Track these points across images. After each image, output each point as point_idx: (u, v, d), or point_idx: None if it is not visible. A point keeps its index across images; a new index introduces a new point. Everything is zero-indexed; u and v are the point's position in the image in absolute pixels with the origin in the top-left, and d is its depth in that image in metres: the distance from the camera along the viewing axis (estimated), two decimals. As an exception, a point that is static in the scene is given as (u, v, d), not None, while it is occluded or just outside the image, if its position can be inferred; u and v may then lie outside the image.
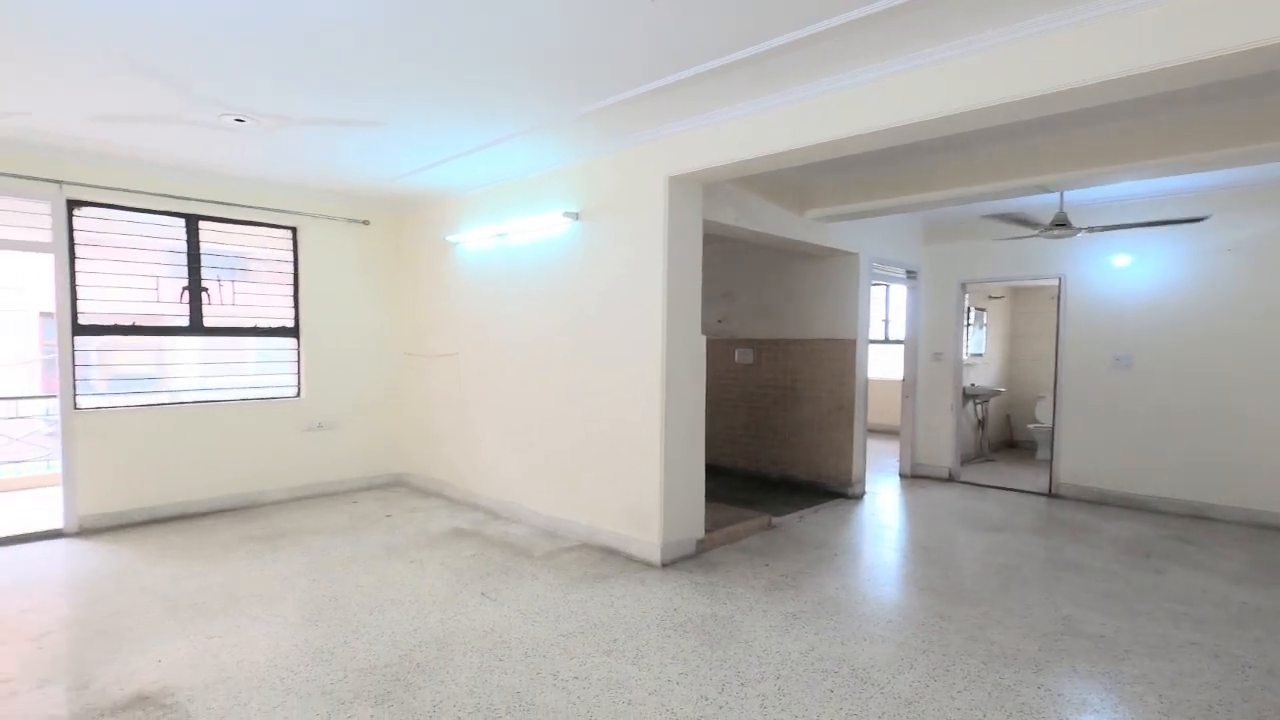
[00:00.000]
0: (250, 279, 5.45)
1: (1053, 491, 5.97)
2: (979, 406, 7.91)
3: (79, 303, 4.58)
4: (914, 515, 5.35)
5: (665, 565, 3.95)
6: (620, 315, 4.14)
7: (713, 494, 4.61)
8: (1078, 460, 5.86)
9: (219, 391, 5.30)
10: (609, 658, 2.82)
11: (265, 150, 4.27)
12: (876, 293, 8.78)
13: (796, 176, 4.82)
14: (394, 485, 6.16)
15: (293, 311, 5.62)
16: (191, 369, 5.26)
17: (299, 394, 5.67)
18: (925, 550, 4.39)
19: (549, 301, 4.66)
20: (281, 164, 4.63)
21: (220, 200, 5.07)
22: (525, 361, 4.90)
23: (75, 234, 4.54)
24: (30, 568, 3.93)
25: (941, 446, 6.67)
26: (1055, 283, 6.09)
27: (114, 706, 2.43)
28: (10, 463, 7.12)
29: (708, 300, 4.43)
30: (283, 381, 5.63)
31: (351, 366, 5.93)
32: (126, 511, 4.78)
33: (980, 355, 8.41)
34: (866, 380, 5.96)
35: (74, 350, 4.57)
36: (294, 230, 5.58)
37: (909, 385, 6.74)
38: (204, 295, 5.13)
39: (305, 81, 3.14)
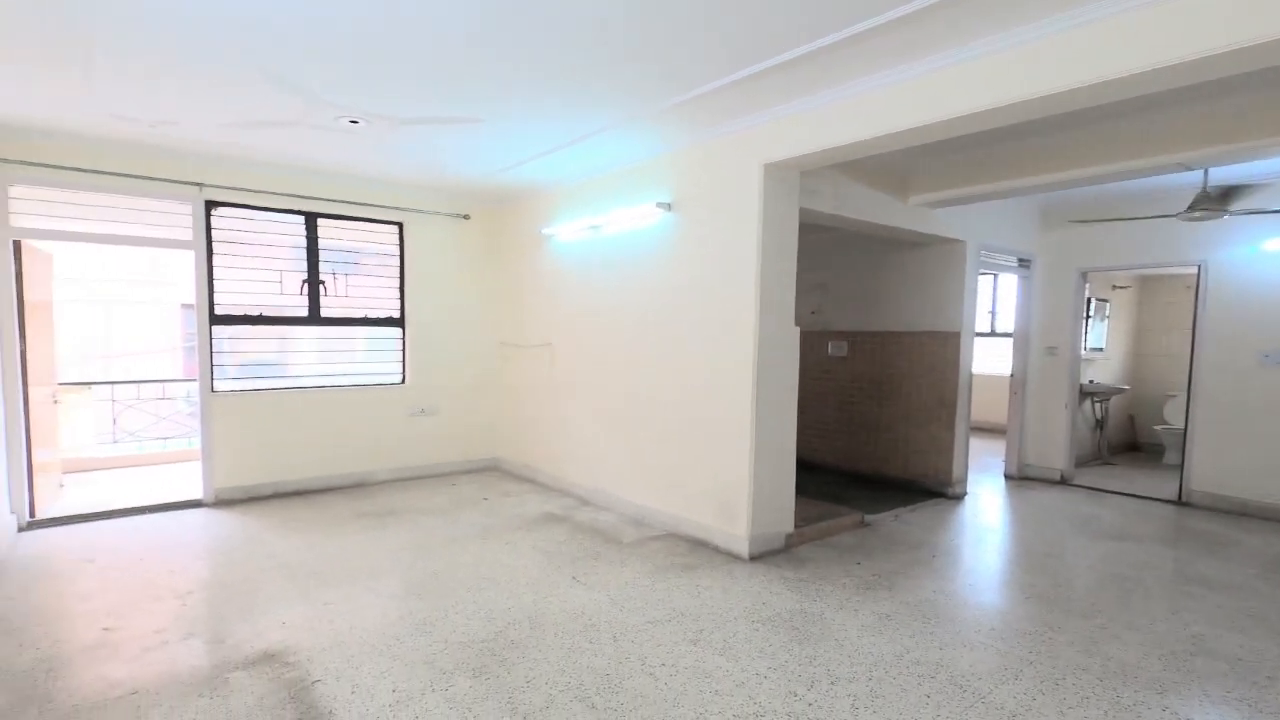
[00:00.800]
0: (361, 272, 5.81)
1: (1183, 499, 5.45)
2: (1098, 405, 7.32)
3: (215, 295, 5.04)
4: (1021, 519, 5.04)
5: (753, 558, 3.91)
6: (711, 306, 4.12)
7: (802, 489, 4.52)
8: (1214, 466, 5.31)
9: (333, 377, 5.70)
10: (695, 647, 2.83)
11: (376, 150, 4.52)
12: (983, 282, 8.29)
13: (899, 160, 4.60)
14: (489, 469, 6.42)
15: (399, 303, 5.95)
16: (309, 356, 5.67)
17: (404, 381, 6.00)
18: (1033, 556, 4.12)
19: (640, 292, 4.70)
20: (390, 162, 4.90)
21: (336, 198, 5.44)
22: (616, 351, 4.97)
23: (212, 232, 5.00)
24: (176, 533, 4.38)
25: (1053, 447, 6.23)
26: (1193, 271, 5.53)
27: (246, 661, 2.68)
28: (158, 439, 7.97)
29: (800, 291, 4.33)
30: (389, 369, 5.98)
31: (451, 355, 6.21)
32: (254, 486, 5.24)
33: (1100, 350, 7.77)
34: (970, 375, 5.64)
35: (211, 338, 5.04)
36: (400, 225, 5.89)
37: (1018, 381, 6.33)
38: (321, 288, 5.52)
39: (412, 83, 3.30)
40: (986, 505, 5.40)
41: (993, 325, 9.54)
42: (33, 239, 4.47)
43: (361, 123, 3.92)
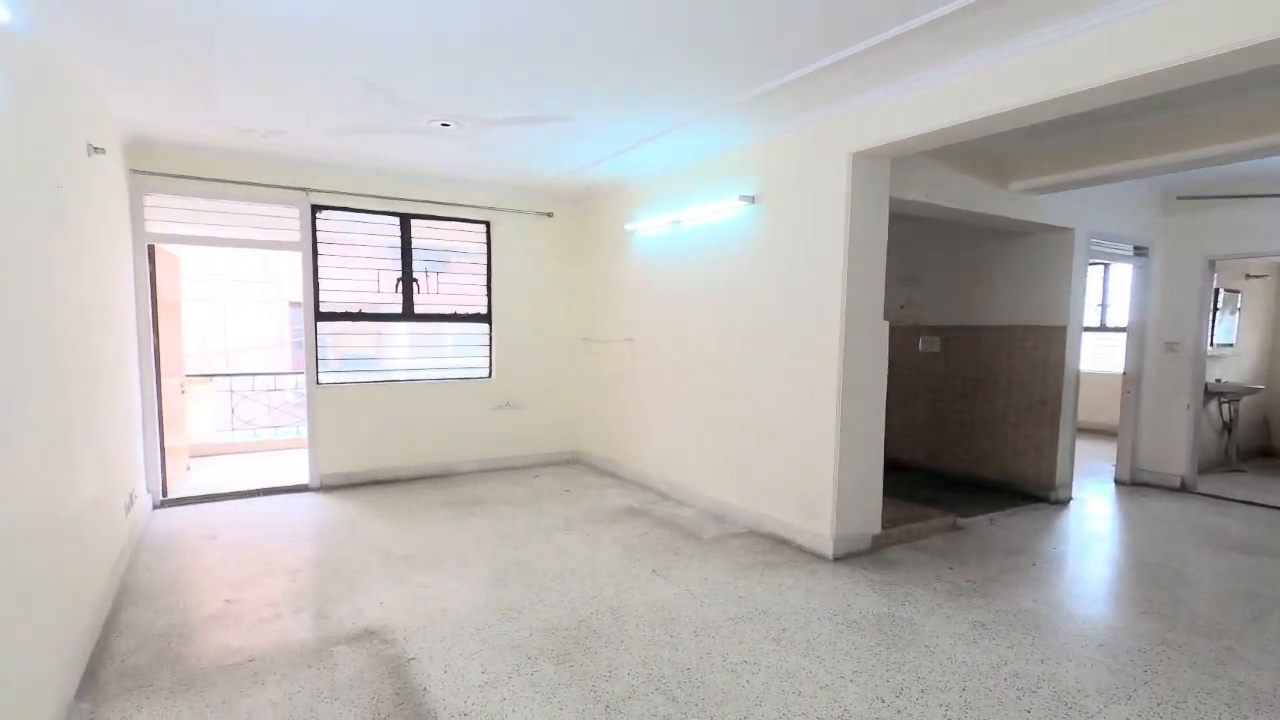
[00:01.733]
0: (450, 270, 6.04)
1: (1330, 512, 4.90)
2: (1226, 406, 6.67)
3: (320, 293, 5.38)
4: (1133, 527, 4.66)
5: (837, 559, 3.81)
6: (796, 300, 4.03)
7: (891, 489, 4.35)
8: (1369, 476, 4.73)
9: (424, 371, 5.96)
10: (778, 646, 2.78)
11: (465, 151, 4.69)
12: (1092, 273, 7.72)
13: (999, 144, 4.32)
14: (571, 463, 6.55)
15: (485, 299, 6.16)
16: (402, 351, 5.96)
17: (490, 375, 6.21)
18: (1147, 568, 3.81)
19: (722, 286, 4.66)
20: (478, 163, 5.06)
21: (427, 199, 5.68)
22: (697, 347, 4.95)
23: (317, 234, 5.33)
24: (285, 515, 4.71)
25: (1173, 451, 5.73)
26: (1342, 257, 4.95)
27: (349, 636, 2.85)
28: (270, 427, 8.58)
29: (889, 285, 4.16)
30: (476, 364, 6.20)
31: (535, 350, 6.37)
32: (353, 473, 5.56)
33: (1230, 346, 7.07)
34: (1077, 372, 5.27)
35: (316, 334, 5.38)
36: (487, 224, 6.09)
37: (1132, 379, 5.86)
38: (414, 285, 5.78)
39: (501, 85, 3.40)
40: (1094, 512, 5.03)
41: (1103, 319, 8.88)
42: (164, 243, 4.91)
43: (452, 125, 4.07)
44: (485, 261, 6.14)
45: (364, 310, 5.61)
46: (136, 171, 4.59)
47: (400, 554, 3.87)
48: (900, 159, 3.88)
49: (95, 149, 3.21)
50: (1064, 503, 5.20)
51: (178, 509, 4.80)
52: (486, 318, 6.18)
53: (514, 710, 2.31)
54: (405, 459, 5.79)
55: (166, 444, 4.94)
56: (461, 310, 6.07)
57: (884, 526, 4.07)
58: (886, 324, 3.91)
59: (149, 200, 4.74)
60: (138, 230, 4.67)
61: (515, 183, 5.75)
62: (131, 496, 3.92)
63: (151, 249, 4.79)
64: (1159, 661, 2.69)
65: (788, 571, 3.63)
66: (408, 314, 5.79)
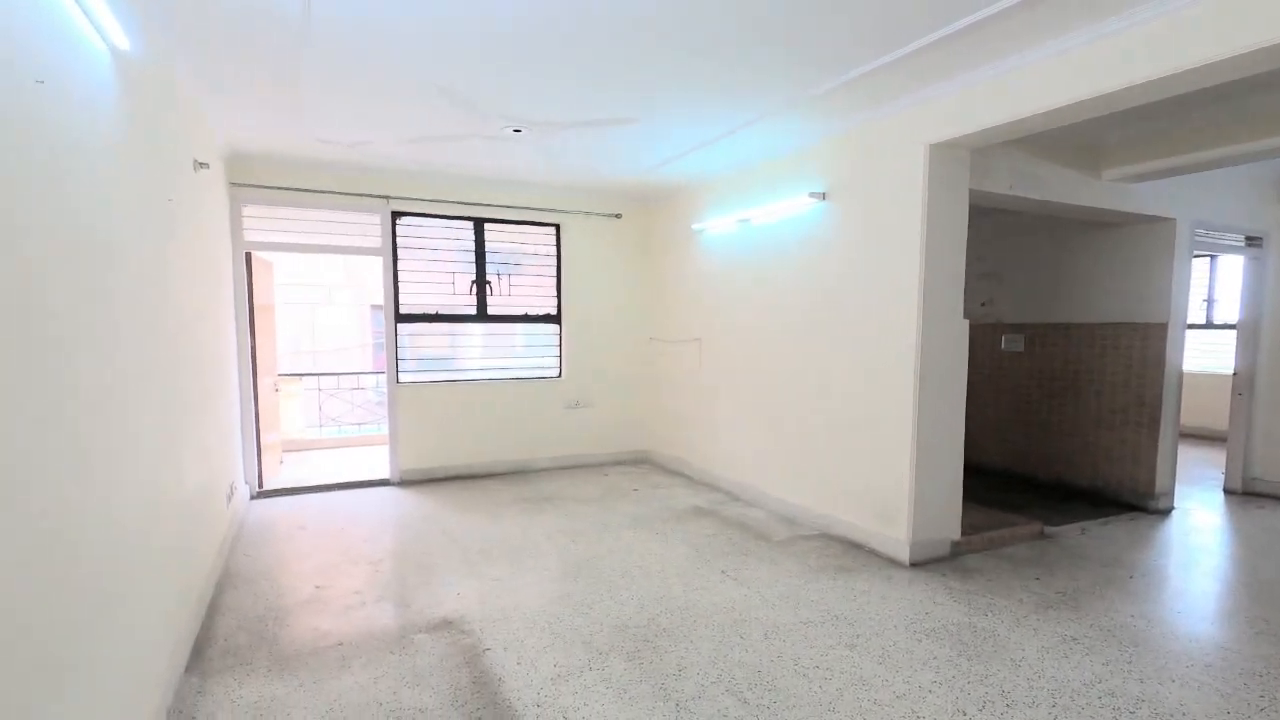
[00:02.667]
0: (521, 272, 6.19)
1: None
2: (1355, 410, 6.05)
3: (400, 296, 5.61)
4: (1245, 540, 4.30)
5: (914, 565, 3.68)
6: (869, 298, 3.93)
7: (972, 494, 4.18)
8: None
9: (497, 371, 6.13)
10: (852, 652, 2.72)
11: (536, 155, 4.79)
12: (1197, 266, 7.15)
13: (1091, 130, 4.05)
14: (639, 462, 6.59)
15: (555, 300, 6.28)
16: (476, 351, 6.15)
17: (560, 374, 6.32)
18: (1264, 585, 3.51)
19: (792, 285, 4.59)
20: (548, 167, 5.17)
21: (499, 204, 5.83)
22: (766, 346, 4.89)
23: (397, 239, 5.57)
24: (368, 507, 4.94)
25: (1292, 459, 5.25)
26: None
27: (428, 625, 2.96)
28: (354, 424, 9.02)
29: (969, 281, 3.99)
30: (547, 363, 6.32)
31: (604, 350, 6.45)
32: (430, 468, 5.77)
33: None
34: (1180, 373, 4.91)
35: (396, 335, 5.62)
36: (557, 227, 6.20)
37: (1244, 380, 5.41)
38: (488, 287, 5.95)
39: (571, 89, 3.46)
40: (1200, 523, 4.67)
41: (1209, 315, 8.24)
42: (259, 251, 5.24)
43: (524, 130, 4.17)
44: (555, 263, 6.25)
45: (440, 312, 5.81)
46: (235, 184, 4.92)
47: (476, 548, 3.99)
48: (981, 149, 3.72)
49: (200, 164, 3.45)
50: (1165, 512, 4.85)
51: (272, 500, 5.11)
52: (556, 318, 6.30)
53: (585, 704, 2.35)
54: (479, 456, 5.97)
55: (262, 439, 5.27)
56: (532, 311, 6.21)
57: (964, 533, 3.90)
58: (967, 322, 3.75)
59: (247, 211, 5.06)
60: (236, 239, 5.00)
61: (584, 185, 5.83)
62: (232, 487, 4.21)
63: (248, 256, 5.12)
64: (1277, 687, 2.48)
65: (861, 576, 3.54)
66: (481, 315, 5.97)
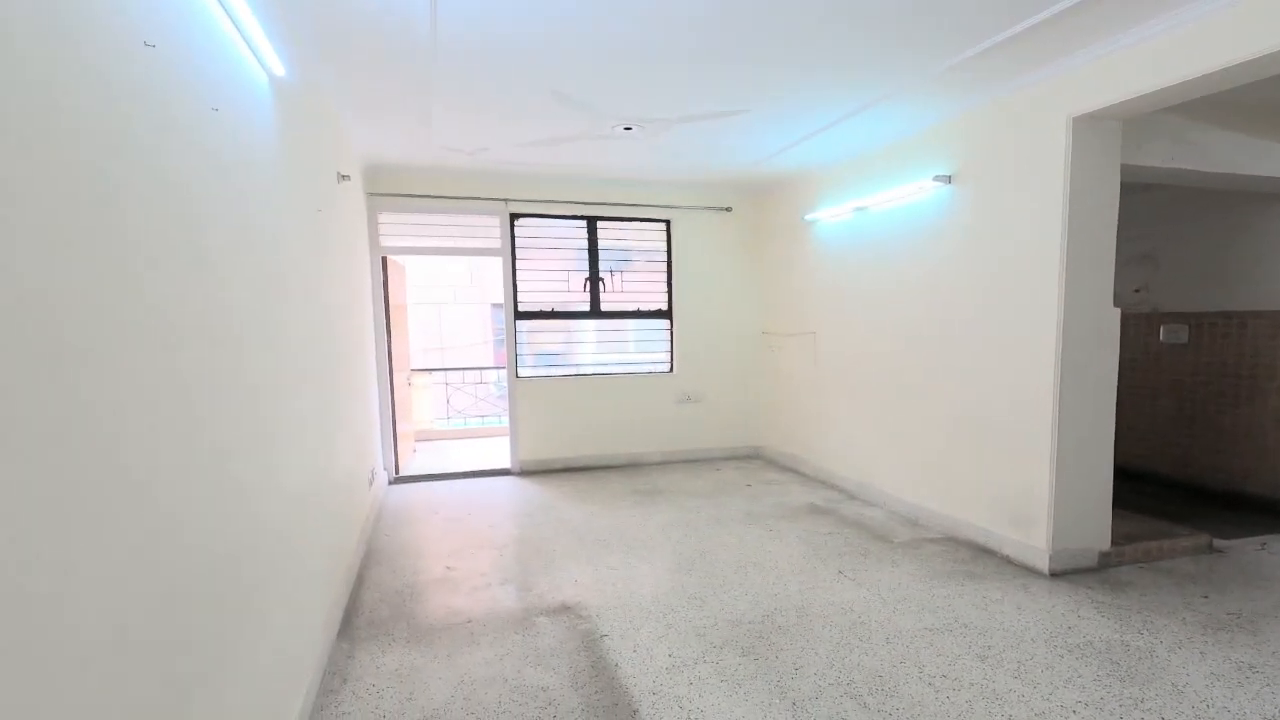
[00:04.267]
0: (633, 268, 6.29)
1: None
2: None
3: (518, 294, 5.87)
4: None
5: (1054, 575, 3.40)
6: (1002, 286, 3.66)
7: (1124, 501, 3.80)
8: None
9: (610, 366, 6.27)
10: (983, 664, 2.56)
11: (647, 152, 4.84)
12: None
13: (1265, 91, 3.56)
14: (751, 457, 6.51)
15: (666, 296, 6.33)
16: (589, 346, 6.31)
17: (671, 369, 6.37)
18: None
19: (914, 274, 4.36)
20: (659, 163, 5.21)
21: (611, 202, 5.95)
22: (885, 338, 4.68)
23: (515, 240, 5.82)
24: (492, 495, 5.22)
25: None
26: None
27: (548, 609, 3.09)
28: (477, 416, 9.54)
29: (1120, 265, 3.62)
30: (659, 358, 6.39)
31: (715, 345, 6.42)
32: (548, 460, 6.00)
33: None
34: (1390, 366, 4.20)
35: (515, 332, 5.88)
36: (667, 222, 6.24)
37: None
38: (600, 284, 6.10)
39: (682, 84, 3.47)
40: None
41: None
42: (393, 255, 5.65)
43: (635, 128, 4.23)
44: (666, 259, 6.30)
45: (556, 309, 6.03)
46: (372, 194, 5.34)
47: (592, 537, 4.11)
48: (1135, 119, 3.36)
49: (343, 176, 3.78)
50: (1370, 528, 4.18)
51: (407, 486, 5.52)
52: (667, 314, 6.35)
53: (700, 695, 2.36)
54: (594, 448, 6.13)
55: (398, 429, 5.70)
56: (644, 307, 6.30)
57: (1115, 542, 3.56)
58: (1118, 311, 3.41)
59: (382, 218, 5.48)
60: (374, 244, 5.42)
61: (694, 179, 5.83)
62: (373, 472, 4.58)
63: (384, 260, 5.54)
64: None
65: (993, 584, 3.32)
66: (595, 311, 6.12)
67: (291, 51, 2.62)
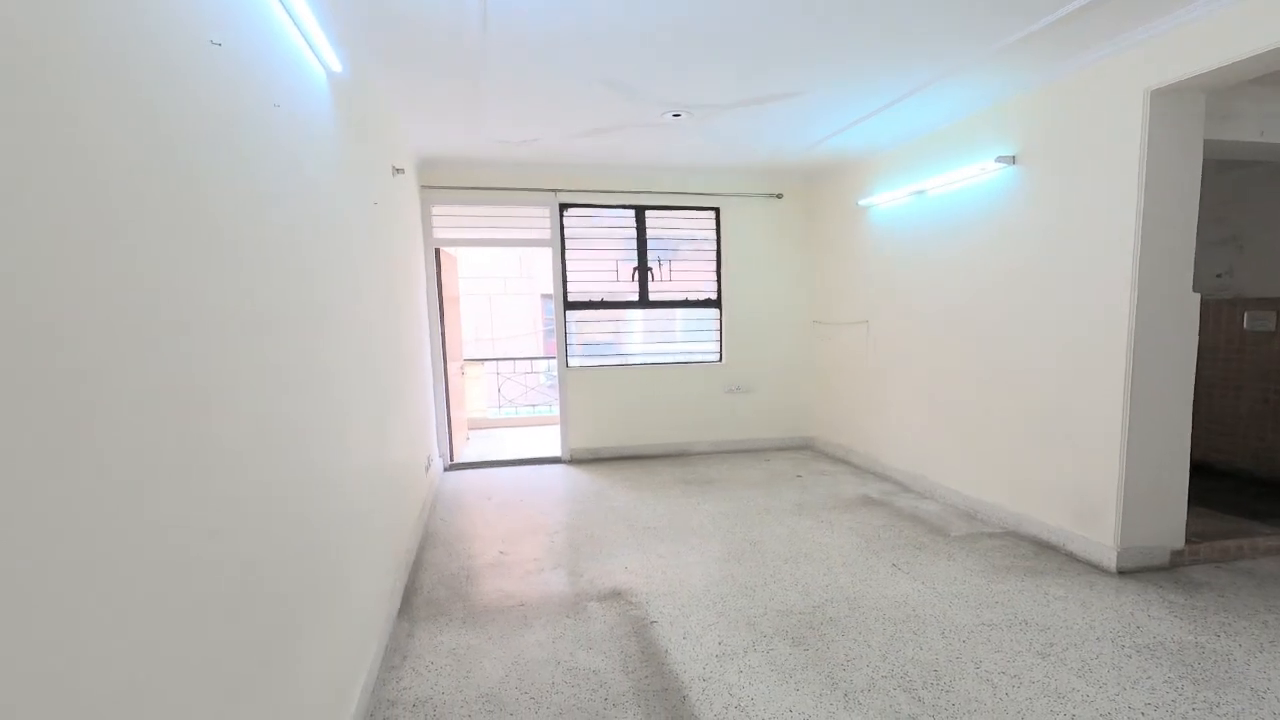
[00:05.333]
0: (682, 257, 6.26)
1: None
2: None
3: (568, 284, 5.92)
4: None
5: (1122, 573, 3.26)
6: (1068, 271, 3.50)
7: (1201, 498, 3.61)
8: None
9: (659, 356, 6.28)
10: (1045, 661, 2.47)
11: (696, 138, 4.81)
12: None
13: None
14: (802, 448, 6.43)
15: (715, 285, 6.28)
16: (638, 336, 6.33)
17: (720, 359, 6.34)
18: None
19: (974, 259, 4.21)
20: (707, 150, 5.16)
21: (659, 190, 5.94)
22: (943, 327, 4.54)
23: (565, 230, 5.87)
24: (543, 482, 5.31)
25: None
26: None
27: (599, 594, 3.14)
28: (528, 405, 9.69)
29: (1200, 248, 3.41)
30: (708, 348, 6.36)
31: (765, 334, 6.35)
32: (598, 448, 6.06)
33: None
34: None
35: (565, 322, 5.95)
36: (716, 211, 6.19)
37: None
38: (649, 274, 6.10)
39: (731, 69, 3.42)
40: None
41: None
42: (446, 246, 5.78)
43: (683, 115, 4.20)
44: (715, 247, 6.25)
45: (605, 299, 6.06)
46: (425, 187, 5.46)
47: (641, 525, 4.14)
48: (1218, 92, 3.15)
49: (397, 170, 3.88)
50: None
51: (461, 472, 5.66)
52: (717, 303, 6.30)
53: (751, 684, 2.36)
54: (643, 437, 6.16)
55: (452, 417, 5.84)
56: (693, 296, 6.27)
57: (1189, 541, 3.38)
58: (1197, 297, 3.22)
59: (435, 210, 5.60)
60: (427, 236, 5.55)
61: (744, 166, 5.76)
62: (429, 459, 4.72)
63: (437, 252, 5.67)
64: None
65: (1056, 580, 3.20)
66: (643, 301, 6.13)
67: (348, 49, 2.70)
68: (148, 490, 1.01)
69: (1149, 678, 2.36)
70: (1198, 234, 3.20)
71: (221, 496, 1.25)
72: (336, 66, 2.37)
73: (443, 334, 5.71)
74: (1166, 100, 3.05)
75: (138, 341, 1.00)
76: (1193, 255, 3.19)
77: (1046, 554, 3.54)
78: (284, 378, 1.61)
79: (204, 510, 1.17)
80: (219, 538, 1.22)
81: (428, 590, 3.22)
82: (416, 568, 3.50)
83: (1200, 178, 3.15)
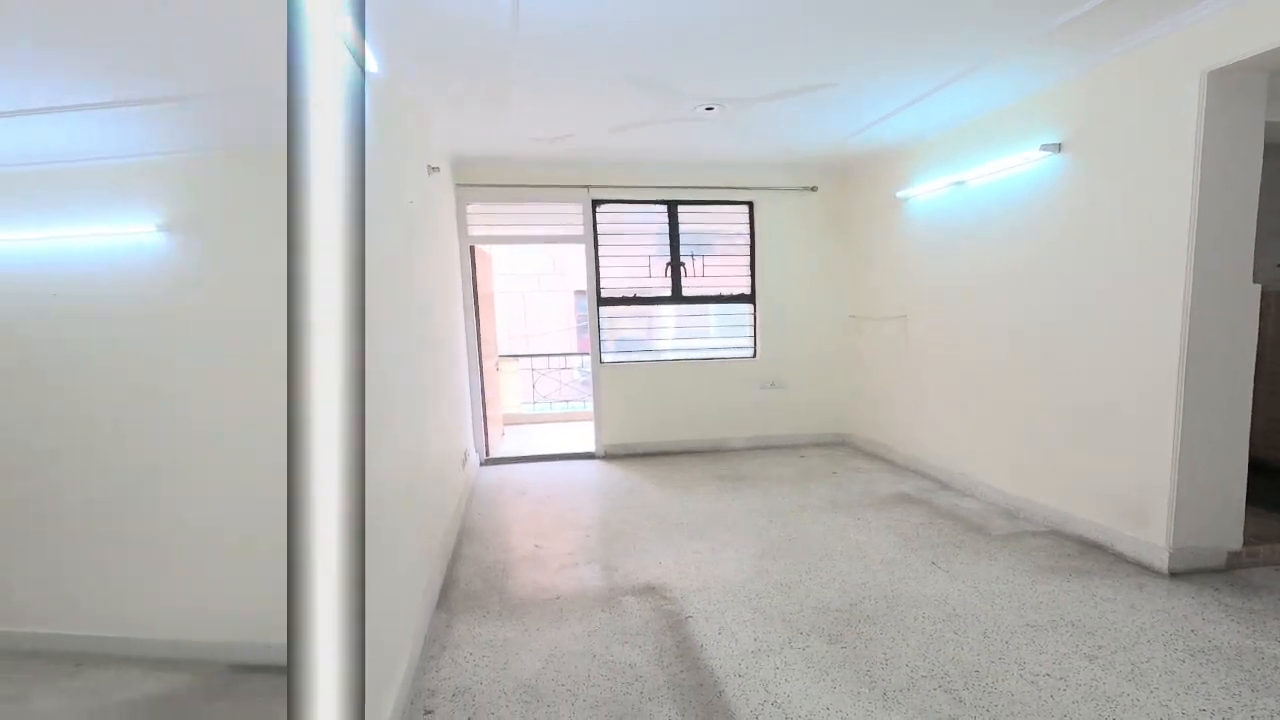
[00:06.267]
0: (714, 253, 6.23)
1: None
2: None
3: (600, 280, 5.94)
4: None
5: (1174, 574, 3.15)
6: (1119, 261, 3.38)
7: (1262, 499, 3.45)
8: None
9: (692, 351, 6.26)
10: (1092, 664, 2.40)
11: (728, 132, 4.76)
12: None
13: None
14: (837, 445, 6.35)
15: (749, 280, 6.23)
16: (671, 332, 6.32)
17: (754, 355, 6.29)
18: None
19: (1017, 251, 4.10)
20: (740, 144, 5.12)
21: (692, 185, 5.91)
22: (983, 321, 4.43)
23: (597, 226, 5.89)
24: (577, 478, 5.34)
25: None
26: None
27: (633, 589, 3.15)
28: (562, 401, 9.76)
29: (1261, 238, 3.26)
30: (741, 343, 6.32)
31: (800, 330, 6.29)
32: (631, 444, 6.07)
33: None
34: None
35: (598, 318, 5.97)
36: (750, 205, 6.14)
37: None
38: (682, 269, 6.08)
39: (763, 61, 3.38)
40: None
41: None
42: (481, 244, 5.84)
43: (715, 109, 4.16)
44: (749, 242, 6.20)
45: (638, 294, 6.06)
46: (460, 185, 5.52)
47: (675, 520, 4.14)
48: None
49: (433, 168, 3.93)
50: None
51: (497, 467, 5.73)
52: (750, 298, 6.26)
53: (787, 680, 2.35)
54: (677, 433, 6.15)
55: (488, 413, 5.92)
56: (726, 291, 6.23)
57: (1247, 542, 3.25)
58: (1257, 288, 3.08)
59: (470, 208, 5.67)
60: (462, 234, 5.62)
61: (778, 160, 5.70)
62: (465, 454, 4.79)
63: (472, 249, 5.74)
64: None
65: (1104, 581, 3.10)
66: (676, 297, 6.12)
67: (383, 49, 2.74)
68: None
69: (1204, 683, 2.28)
70: (1258, 222, 3.06)
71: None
72: (373, 67, 2.41)
73: (478, 331, 5.78)
74: (1225, 81, 2.91)
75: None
76: (1253, 244, 3.05)
77: (1093, 554, 3.44)
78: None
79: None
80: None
81: (465, 583, 3.27)
82: (454, 560, 3.56)
83: (1261, 163, 3.02)
